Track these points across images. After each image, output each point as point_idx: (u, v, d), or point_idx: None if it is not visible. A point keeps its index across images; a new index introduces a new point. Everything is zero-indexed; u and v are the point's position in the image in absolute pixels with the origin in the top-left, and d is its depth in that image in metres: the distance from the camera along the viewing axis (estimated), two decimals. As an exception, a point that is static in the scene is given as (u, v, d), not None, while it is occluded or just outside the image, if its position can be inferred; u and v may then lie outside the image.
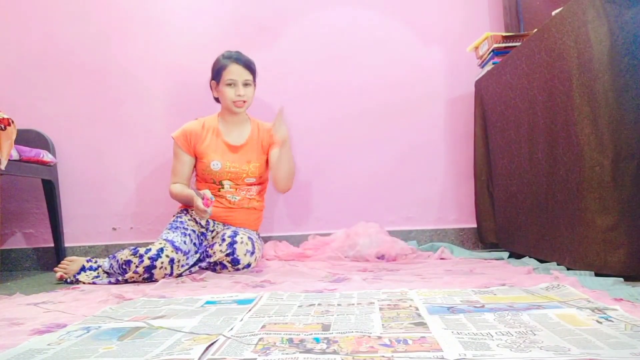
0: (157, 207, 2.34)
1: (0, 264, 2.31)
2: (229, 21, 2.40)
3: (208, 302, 1.13)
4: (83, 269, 1.75)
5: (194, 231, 1.86)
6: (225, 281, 1.51)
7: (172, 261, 1.63)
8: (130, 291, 1.36)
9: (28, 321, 1.05)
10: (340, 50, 2.37)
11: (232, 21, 2.40)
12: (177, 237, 1.75)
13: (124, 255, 1.65)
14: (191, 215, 1.91)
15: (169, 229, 1.82)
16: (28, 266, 2.36)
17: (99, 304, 1.21)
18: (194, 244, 1.82)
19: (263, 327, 0.87)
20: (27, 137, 2.20)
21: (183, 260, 1.68)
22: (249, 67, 1.89)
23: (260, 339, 0.79)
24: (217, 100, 2.00)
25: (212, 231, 1.92)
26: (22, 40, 2.39)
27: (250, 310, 1.02)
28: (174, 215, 1.95)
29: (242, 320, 0.93)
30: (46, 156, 2.16)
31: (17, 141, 1.77)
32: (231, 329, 0.86)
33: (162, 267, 1.60)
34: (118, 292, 1.32)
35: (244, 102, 1.89)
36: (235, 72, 1.86)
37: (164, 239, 1.72)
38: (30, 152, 2.05)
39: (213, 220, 1.92)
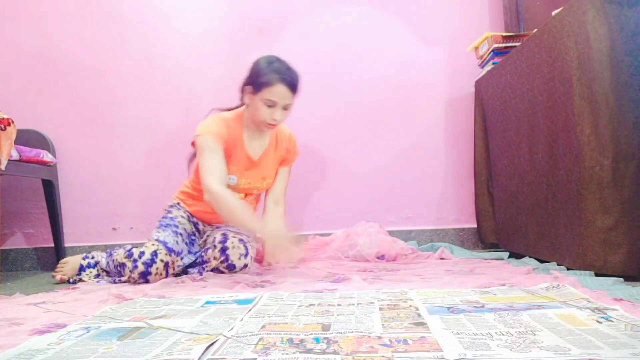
0: (157, 207, 2.32)
1: (0, 264, 2.31)
2: (229, 21, 2.40)
3: (208, 302, 1.13)
4: (82, 268, 1.74)
5: (185, 229, 1.77)
6: (225, 281, 1.51)
7: (166, 265, 1.59)
8: (130, 291, 1.36)
9: (28, 321, 1.05)
10: (339, 50, 2.37)
11: (233, 21, 2.40)
12: (169, 237, 1.68)
13: (119, 256, 1.63)
14: (184, 211, 1.81)
15: (160, 227, 1.73)
16: (28, 266, 2.36)
17: (99, 304, 1.21)
18: (186, 243, 1.75)
19: (263, 327, 0.87)
20: (27, 137, 2.20)
21: (177, 261, 1.65)
22: (295, 89, 1.64)
23: (260, 339, 0.79)
24: (242, 102, 1.75)
25: (202, 232, 1.85)
26: (21, 40, 2.39)
27: (250, 310, 1.02)
28: (165, 209, 1.85)
29: (242, 320, 0.93)
30: (46, 156, 2.17)
31: (17, 141, 1.77)
32: (231, 329, 0.86)
33: (157, 272, 1.57)
34: (118, 292, 1.32)
35: (276, 125, 1.67)
36: (279, 94, 1.59)
37: (156, 239, 1.66)
38: (30, 152, 2.05)
39: (202, 221, 1.85)
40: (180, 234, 1.73)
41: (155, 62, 2.39)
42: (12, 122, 1.66)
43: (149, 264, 1.56)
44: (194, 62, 2.38)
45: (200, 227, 1.85)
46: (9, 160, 1.71)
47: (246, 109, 1.71)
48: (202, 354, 0.72)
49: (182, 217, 1.79)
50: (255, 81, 1.62)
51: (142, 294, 1.30)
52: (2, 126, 1.63)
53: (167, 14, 2.40)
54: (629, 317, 0.82)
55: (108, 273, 1.70)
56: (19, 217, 2.38)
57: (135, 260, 1.57)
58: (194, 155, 1.80)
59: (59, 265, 1.78)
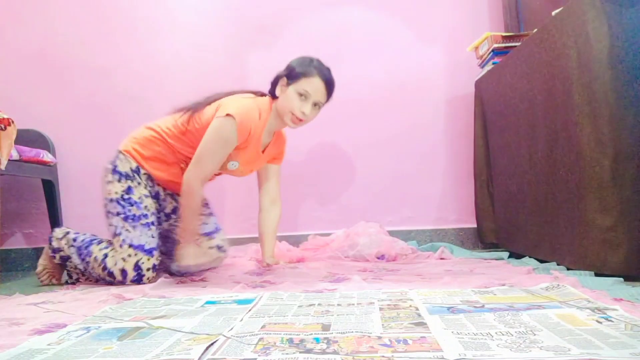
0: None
1: (0, 264, 2.31)
2: (230, 21, 2.40)
3: (208, 302, 1.13)
4: (64, 265, 1.70)
5: (153, 213, 1.62)
6: (225, 281, 1.51)
7: (154, 267, 1.56)
8: (130, 291, 1.36)
9: (28, 321, 1.05)
10: (340, 50, 2.37)
11: (233, 21, 2.40)
12: (143, 237, 1.55)
13: (99, 270, 1.54)
14: (145, 181, 1.63)
15: (127, 220, 1.55)
16: (28, 266, 2.36)
17: (99, 304, 1.21)
18: (156, 226, 1.63)
19: (263, 327, 0.87)
20: (27, 137, 2.20)
21: (158, 255, 1.60)
22: (330, 88, 1.62)
23: (260, 339, 0.79)
24: (272, 94, 1.67)
25: (162, 200, 1.70)
26: (21, 40, 2.39)
27: (250, 310, 1.02)
28: (119, 181, 1.60)
29: (242, 320, 0.93)
30: (46, 156, 2.17)
31: (17, 141, 1.77)
32: (231, 329, 0.86)
33: (149, 281, 1.54)
34: (118, 292, 1.32)
35: (302, 121, 1.60)
36: (315, 87, 1.56)
37: (130, 245, 1.53)
38: (30, 152, 2.05)
39: (163, 189, 1.70)
40: (152, 223, 1.60)
41: (156, 61, 2.39)
42: (12, 122, 1.66)
43: (138, 280, 1.53)
44: (195, 61, 2.38)
45: (162, 195, 1.70)
46: (9, 160, 1.71)
47: (274, 102, 1.64)
48: (202, 354, 0.72)
49: (146, 195, 1.61)
50: (292, 72, 1.59)
51: (142, 294, 1.30)
52: (2, 126, 1.62)
53: (168, 14, 2.41)
54: (629, 317, 0.82)
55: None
56: (19, 217, 2.38)
57: (122, 281, 1.52)
58: (194, 110, 1.59)
59: (42, 277, 1.71)
